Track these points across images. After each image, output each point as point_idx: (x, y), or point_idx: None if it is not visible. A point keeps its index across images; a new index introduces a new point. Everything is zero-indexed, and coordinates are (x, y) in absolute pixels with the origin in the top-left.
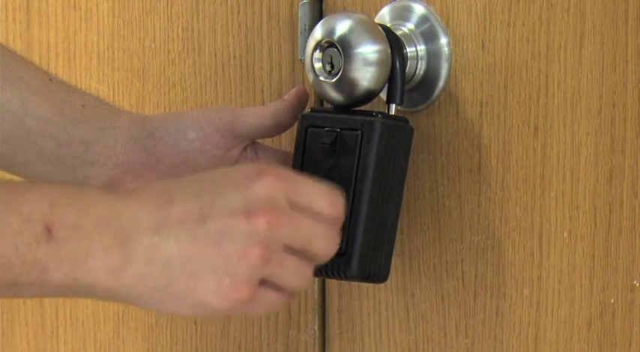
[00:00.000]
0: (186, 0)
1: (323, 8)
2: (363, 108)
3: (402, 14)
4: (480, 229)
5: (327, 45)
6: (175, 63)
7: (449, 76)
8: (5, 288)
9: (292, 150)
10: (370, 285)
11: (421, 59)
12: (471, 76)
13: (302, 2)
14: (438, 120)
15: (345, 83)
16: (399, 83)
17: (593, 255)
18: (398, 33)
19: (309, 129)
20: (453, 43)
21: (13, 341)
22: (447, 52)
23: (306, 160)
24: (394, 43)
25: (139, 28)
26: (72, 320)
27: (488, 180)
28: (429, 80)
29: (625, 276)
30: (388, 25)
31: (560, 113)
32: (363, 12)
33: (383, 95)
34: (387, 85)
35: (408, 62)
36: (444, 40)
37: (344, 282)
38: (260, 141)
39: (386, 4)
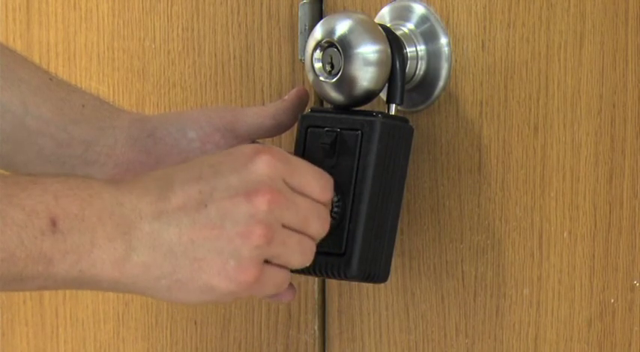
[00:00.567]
0: (186, 0)
1: (323, 8)
2: (363, 108)
3: (402, 14)
4: (480, 229)
5: (327, 45)
6: (175, 63)
7: (449, 76)
8: (10, 282)
9: (292, 150)
10: (370, 285)
11: (421, 59)
12: (470, 76)
13: (302, 2)
14: (438, 120)
15: (345, 83)
16: (399, 83)
17: (593, 255)
18: (398, 33)
19: (309, 129)
20: (453, 43)
21: (13, 341)
22: (447, 52)
23: (307, 160)
24: (394, 43)
25: (139, 28)
26: (72, 320)
27: (488, 180)
28: (429, 80)
29: (625, 276)
30: (388, 25)
31: (560, 113)
32: (363, 12)
33: (383, 95)
34: (387, 85)
35: (408, 62)
36: (444, 40)
37: (344, 282)
38: (260, 141)
39: (386, 4)
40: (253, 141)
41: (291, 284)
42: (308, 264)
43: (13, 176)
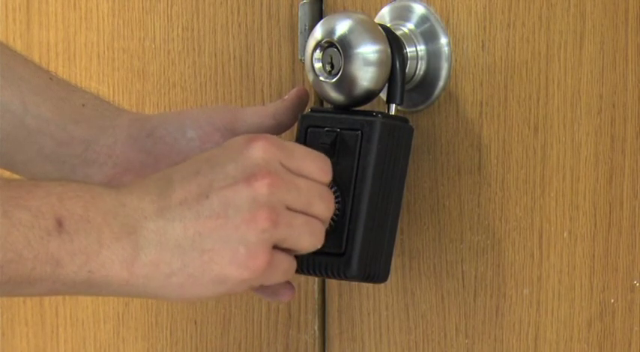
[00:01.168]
0: (186, 0)
1: (323, 8)
2: (363, 108)
3: (402, 14)
4: (480, 229)
5: (327, 45)
6: (175, 63)
7: (449, 76)
8: (18, 285)
9: None
10: (370, 285)
11: (421, 59)
12: (470, 76)
13: (302, 2)
14: (438, 120)
15: (345, 83)
16: (399, 83)
17: (593, 255)
18: (398, 33)
19: (309, 129)
20: (453, 43)
21: (13, 341)
22: (447, 52)
23: None
24: (394, 43)
25: (139, 28)
26: (72, 320)
27: (488, 180)
28: (429, 80)
29: (625, 276)
30: (388, 25)
31: (560, 113)
32: (363, 12)
33: (383, 95)
34: (387, 85)
35: (408, 62)
36: (444, 40)
37: (344, 282)
38: None
39: (386, 4)
40: None
41: (290, 284)
42: (319, 246)
43: (15, 180)
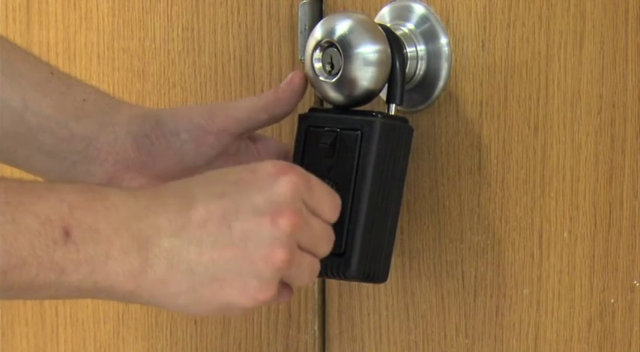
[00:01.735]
0: (186, 0)
1: (323, 8)
2: (363, 108)
3: (402, 14)
4: (480, 229)
5: (327, 45)
6: (175, 63)
7: (449, 76)
8: (23, 290)
9: (292, 151)
10: (370, 285)
11: (421, 59)
12: (470, 76)
13: (302, 2)
14: (438, 120)
15: (345, 83)
16: (399, 83)
17: (593, 255)
18: (398, 33)
19: (309, 129)
20: (453, 43)
21: (13, 341)
22: (447, 52)
23: (306, 160)
24: (394, 43)
25: (139, 28)
26: (72, 320)
27: (488, 180)
28: (429, 80)
29: (625, 276)
30: (388, 25)
31: (560, 113)
32: (363, 12)
33: (383, 95)
34: (387, 85)
35: (408, 62)
36: (444, 40)
37: (344, 282)
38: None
39: (386, 4)
40: (249, 135)
41: (287, 285)
42: (310, 284)
43: (29, 182)
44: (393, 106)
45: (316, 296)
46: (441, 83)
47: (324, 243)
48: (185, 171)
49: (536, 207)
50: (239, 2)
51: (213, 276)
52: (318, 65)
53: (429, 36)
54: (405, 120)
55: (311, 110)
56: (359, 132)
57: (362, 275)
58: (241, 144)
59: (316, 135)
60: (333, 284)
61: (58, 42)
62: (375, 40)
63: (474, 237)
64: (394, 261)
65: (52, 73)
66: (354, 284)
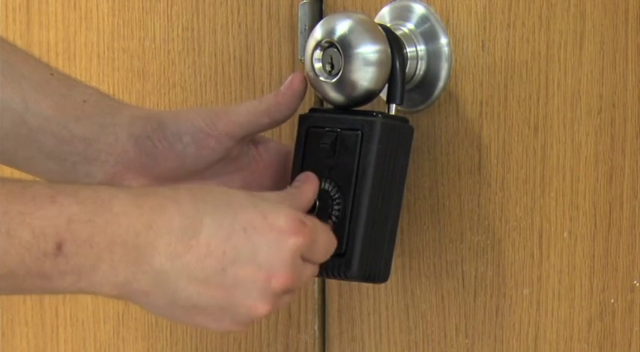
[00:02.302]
0: (186, 0)
1: (323, 8)
2: (363, 108)
3: (402, 14)
4: (480, 229)
5: (327, 45)
6: (175, 63)
7: (449, 76)
8: (9, 293)
9: (292, 151)
10: (370, 285)
11: (421, 59)
12: (470, 76)
13: (302, 2)
14: (438, 120)
15: (345, 83)
16: (399, 83)
17: (593, 255)
18: (398, 33)
19: (309, 130)
20: (453, 43)
21: (13, 341)
22: (447, 52)
23: (307, 160)
24: (394, 43)
25: (139, 28)
26: (72, 320)
27: (488, 180)
28: (429, 80)
29: (625, 276)
30: (388, 25)
31: (560, 113)
32: (363, 12)
33: (383, 95)
34: (387, 84)
35: (408, 62)
36: (444, 40)
37: (344, 282)
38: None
39: (386, 4)
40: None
41: None
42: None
43: (33, 187)
44: (393, 106)
45: (316, 296)
46: (441, 83)
47: (306, 282)
48: (186, 173)
49: (536, 207)
50: (239, 2)
51: (194, 305)
52: (318, 65)
53: (429, 36)
54: (406, 120)
55: (311, 110)
56: (359, 132)
57: (363, 275)
58: (242, 148)
59: (317, 135)
60: (333, 284)
61: (58, 42)
62: (375, 40)
63: (474, 237)
64: (394, 261)
65: (52, 74)
66: (354, 284)
